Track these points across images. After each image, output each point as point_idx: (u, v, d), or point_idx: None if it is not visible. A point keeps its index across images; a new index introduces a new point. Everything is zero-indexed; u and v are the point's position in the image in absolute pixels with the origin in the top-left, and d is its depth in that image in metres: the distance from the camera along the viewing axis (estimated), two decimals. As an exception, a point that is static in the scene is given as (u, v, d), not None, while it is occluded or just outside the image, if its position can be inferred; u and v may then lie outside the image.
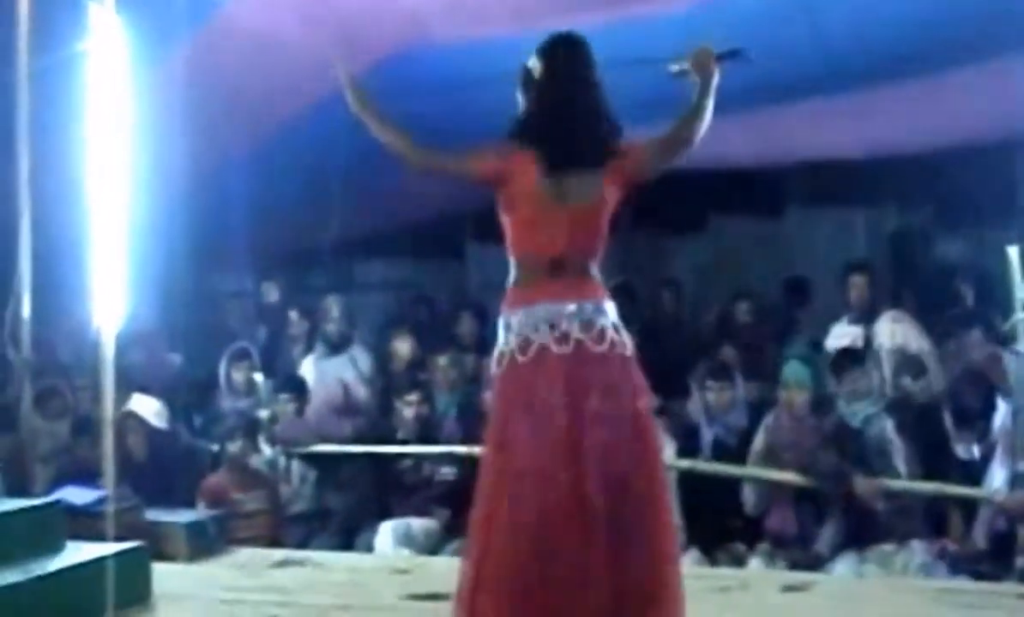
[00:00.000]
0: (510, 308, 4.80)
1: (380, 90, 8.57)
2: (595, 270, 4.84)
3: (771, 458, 7.90)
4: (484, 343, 10.09)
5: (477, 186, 4.89)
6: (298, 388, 9.45)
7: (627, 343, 4.78)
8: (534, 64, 4.87)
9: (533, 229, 4.76)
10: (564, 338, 4.65)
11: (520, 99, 4.92)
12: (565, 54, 4.86)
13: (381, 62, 8.59)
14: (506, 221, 4.84)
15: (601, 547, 4.48)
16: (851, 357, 8.16)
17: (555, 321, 4.67)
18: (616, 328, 4.76)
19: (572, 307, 4.70)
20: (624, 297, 10.43)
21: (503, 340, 4.79)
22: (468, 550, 4.68)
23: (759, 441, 7.98)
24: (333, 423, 9.37)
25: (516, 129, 4.82)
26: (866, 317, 8.97)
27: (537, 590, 4.48)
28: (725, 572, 7.22)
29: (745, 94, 8.57)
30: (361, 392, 9.76)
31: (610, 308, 4.79)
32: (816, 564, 7.39)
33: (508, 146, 4.80)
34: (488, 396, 5.20)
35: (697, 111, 4.88)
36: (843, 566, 7.29)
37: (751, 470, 7.92)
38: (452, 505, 8.53)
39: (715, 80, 4.91)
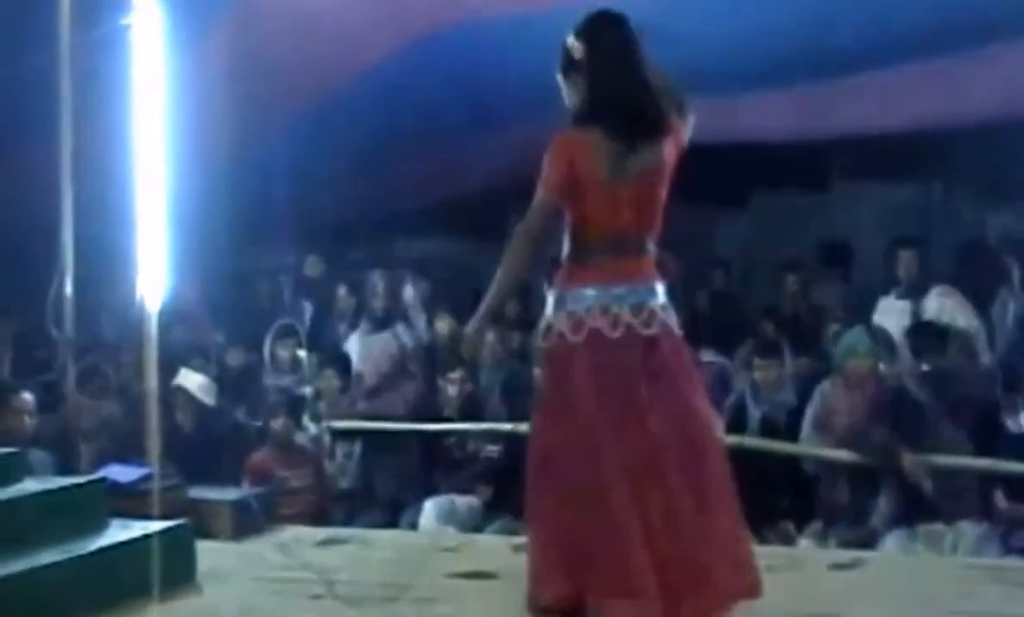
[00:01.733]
0: (566, 283, 4.92)
1: (423, 65, 8.60)
2: (652, 247, 4.96)
3: (826, 427, 7.81)
4: (528, 320, 10.06)
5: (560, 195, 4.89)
6: (343, 364, 9.42)
7: (675, 323, 4.98)
8: (577, 47, 4.92)
9: (602, 210, 4.84)
10: (615, 322, 4.82)
11: (562, 82, 4.98)
12: (612, 33, 4.91)
13: (424, 37, 8.57)
14: (571, 205, 4.88)
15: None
16: (934, 332, 8.08)
17: (608, 305, 4.82)
18: (665, 308, 4.93)
19: (625, 290, 4.85)
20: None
21: (554, 315, 4.92)
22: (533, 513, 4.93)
23: (814, 407, 7.89)
24: (378, 400, 9.35)
25: (580, 114, 4.88)
26: (915, 292, 8.88)
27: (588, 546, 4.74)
28: (773, 550, 7.14)
29: (790, 68, 8.54)
30: (406, 369, 9.73)
31: (660, 289, 4.93)
32: (870, 539, 7.31)
33: (564, 141, 4.87)
34: (537, 370, 5.22)
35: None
36: (894, 543, 7.22)
37: (801, 447, 7.84)
38: (496, 482, 8.52)
39: None
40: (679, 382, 4.91)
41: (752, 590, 4.88)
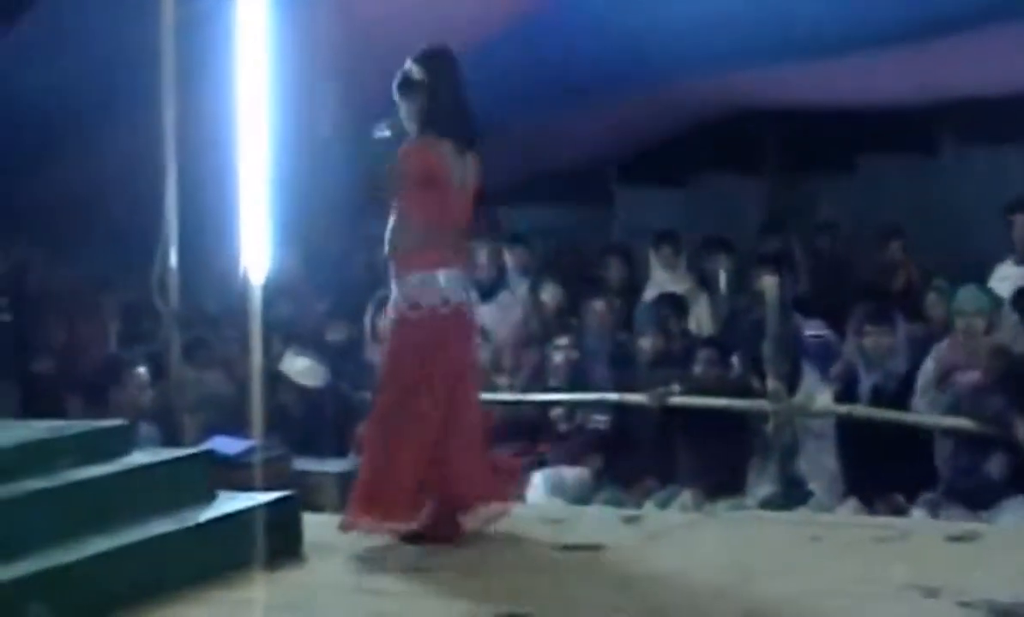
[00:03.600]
0: (407, 269, 5.99)
1: (529, 38, 8.54)
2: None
3: (942, 387, 7.66)
4: (632, 288, 9.98)
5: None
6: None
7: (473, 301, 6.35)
8: (417, 71, 6.05)
9: (443, 205, 6.01)
10: (446, 302, 5.97)
11: (399, 99, 6.05)
12: (448, 63, 6.13)
13: (531, 10, 8.55)
14: (421, 196, 5.97)
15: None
16: None
17: (439, 288, 5.96)
18: (468, 290, 6.23)
19: (452, 274, 6.02)
20: (777, 237, 10.32)
21: (401, 297, 6.01)
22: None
23: (929, 367, 7.75)
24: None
25: (426, 126, 6.01)
26: (1032, 259, 8.70)
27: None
28: (885, 521, 7.03)
29: (899, 29, 8.37)
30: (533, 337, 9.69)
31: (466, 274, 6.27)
32: (986, 511, 7.17)
33: (430, 141, 6.01)
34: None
35: None
36: (1011, 514, 7.07)
37: (913, 416, 7.69)
38: (605, 453, 8.46)
39: None
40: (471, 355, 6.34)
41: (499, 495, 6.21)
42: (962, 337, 7.74)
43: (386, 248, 6.09)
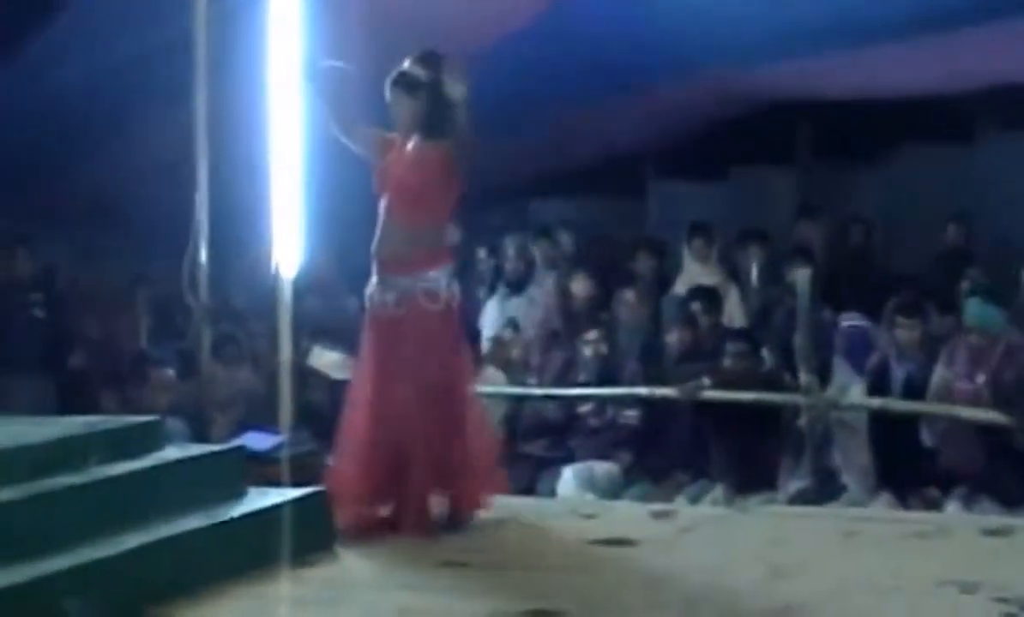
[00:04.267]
0: (424, 265, 6.18)
1: (563, 28, 8.51)
2: None
3: (948, 390, 7.62)
4: (663, 281, 9.95)
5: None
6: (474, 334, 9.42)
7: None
8: (422, 72, 6.11)
9: (452, 204, 6.29)
10: (452, 298, 6.25)
11: (400, 96, 6.13)
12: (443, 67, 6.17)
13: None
14: (442, 196, 6.19)
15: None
16: None
17: (447, 284, 6.22)
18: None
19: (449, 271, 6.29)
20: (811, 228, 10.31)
21: (419, 292, 6.15)
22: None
23: (937, 371, 7.71)
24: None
25: (441, 126, 6.09)
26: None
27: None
28: (920, 516, 6.99)
29: (933, 17, 8.31)
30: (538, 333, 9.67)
31: None
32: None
33: (447, 143, 6.10)
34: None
35: None
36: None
37: (947, 408, 7.64)
38: (635, 447, 8.43)
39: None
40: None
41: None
42: (964, 349, 7.70)
43: (383, 247, 6.28)
